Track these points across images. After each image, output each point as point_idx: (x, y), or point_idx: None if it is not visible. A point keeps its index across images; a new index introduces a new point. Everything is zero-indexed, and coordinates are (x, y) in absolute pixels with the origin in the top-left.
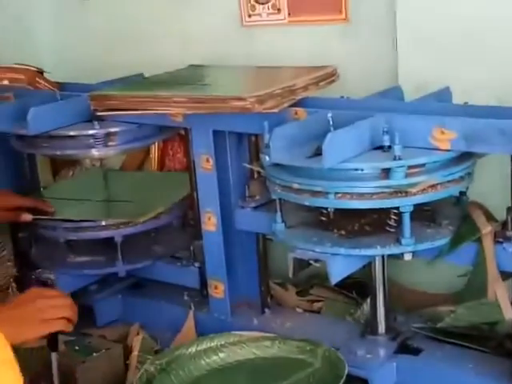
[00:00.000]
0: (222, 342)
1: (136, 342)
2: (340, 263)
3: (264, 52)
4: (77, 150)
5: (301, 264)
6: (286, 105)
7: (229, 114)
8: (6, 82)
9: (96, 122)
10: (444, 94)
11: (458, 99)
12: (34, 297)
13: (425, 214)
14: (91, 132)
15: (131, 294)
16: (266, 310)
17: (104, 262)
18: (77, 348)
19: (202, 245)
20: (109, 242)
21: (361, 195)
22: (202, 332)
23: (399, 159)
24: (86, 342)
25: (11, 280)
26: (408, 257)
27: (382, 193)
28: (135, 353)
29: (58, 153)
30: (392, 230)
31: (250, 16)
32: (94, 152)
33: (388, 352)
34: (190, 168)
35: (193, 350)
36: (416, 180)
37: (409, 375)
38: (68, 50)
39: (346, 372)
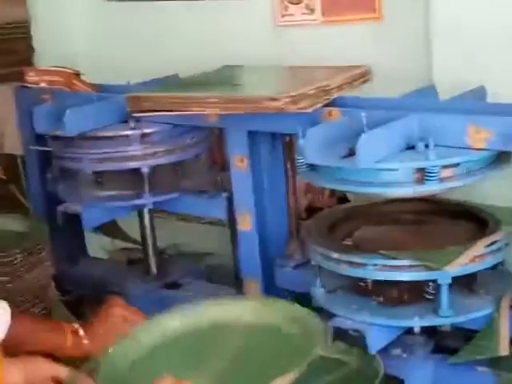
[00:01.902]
0: None
1: None
2: (378, 333)
3: (297, 52)
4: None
5: (339, 331)
6: (319, 105)
7: (263, 115)
8: (44, 85)
9: (132, 123)
10: (479, 93)
11: (493, 98)
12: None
13: (461, 281)
14: (127, 132)
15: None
16: None
17: (131, 195)
18: None
19: (229, 176)
20: (136, 175)
21: (399, 267)
22: None
23: (434, 159)
24: None
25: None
26: (446, 328)
27: (420, 266)
28: None
29: None
30: (430, 297)
31: (283, 16)
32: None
33: (425, 351)
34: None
35: None
36: (450, 185)
37: (446, 375)
38: (103, 52)
39: (382, 372)
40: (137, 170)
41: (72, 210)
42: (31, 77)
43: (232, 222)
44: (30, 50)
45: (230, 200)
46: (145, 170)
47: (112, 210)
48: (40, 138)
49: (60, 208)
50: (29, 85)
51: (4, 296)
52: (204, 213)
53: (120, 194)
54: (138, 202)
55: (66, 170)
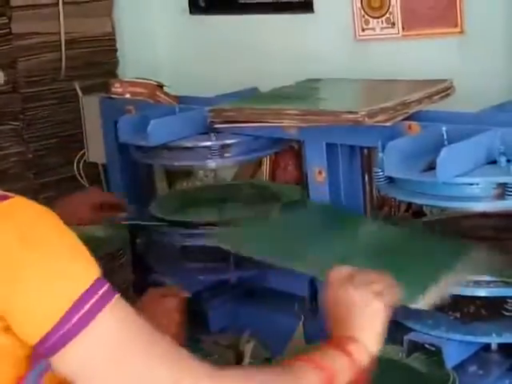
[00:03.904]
0: None
1: (248, 349)
2: (455, 348)
3: (378, 66)
4: (194, 161)
5: (416, 345)
6: (398, 118)
7: (342, 127)
8: (128, 96)
9: (212, 134)
10: None
11: None
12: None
13: None
14: (208, 144)
15: (243, 302)
16: None
17: (216, 269)
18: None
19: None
20: (222, 248)
21: (477, 283)
22: (311, 341)
23: None
24: (199, 347)
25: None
26: None
27: (498, 281)
28: (247, 360)
29: (176, 163)
30: (509, 313)
31: (363, 30)
32: (210, 163)
33: (501, 369)
34: (302, 180)
35: None
36: None
37: None
38: (186, 65)
39: None
40: None
41: (160, 282)
42: (117, 88)
43: (312, 299)
44: (116, 62)
45: (312, 280)
46: None
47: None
48: (122, 148)
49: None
50: (114, 96)
51: None
52: (287, 289)
53: (205, 267)
54: (222, 276)
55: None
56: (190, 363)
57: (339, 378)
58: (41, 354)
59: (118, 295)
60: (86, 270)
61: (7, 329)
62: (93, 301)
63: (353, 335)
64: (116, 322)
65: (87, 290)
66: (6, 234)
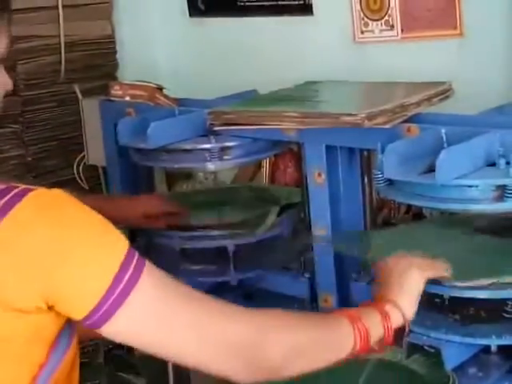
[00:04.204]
0: None
1: None
2: (454, 350)
3: (377, 68)
4: (193, 163)
5: (415, 347)
6: (397, 121)
7: (341, 129)
8: (128, 98)
9: (212, 137)
10: None
11: None
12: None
13: None
14: (207, 146)
15: (243, 304)
16: None
17: (216, 271)
18: None
19: (313, 256)
20: (222, 250)
21: (477, 285)
22: None
23: None
24: None
25: None
26: None
27: (499, 284)
28: None
29: (176, 166)
30: (509, 316)
31: (362, 32)
32: (210, 165)
33: (501, 371)
34: (301, 182)
35: None
36: None
37: None
38: (185, 67)
39: None
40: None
41: None
42: (116, 91)
43: (313, 301)
44: (115, 64)
45: (311, 281)
46: (230, 248)
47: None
48: (122, 150)
49: None
50: (114, 98)
51: None
52: (287, 291)
53: (205, 269)
54: (223, 278)
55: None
56: (234, 310)
57: (372, 333)
58: (86, 326)
59: (147, 260)
60: (118, 241)
61: (48, 311)
62: (130, 270)
63: (391, 298)
64: (152, 284)
65: (124, 261)
66: (41, 223)
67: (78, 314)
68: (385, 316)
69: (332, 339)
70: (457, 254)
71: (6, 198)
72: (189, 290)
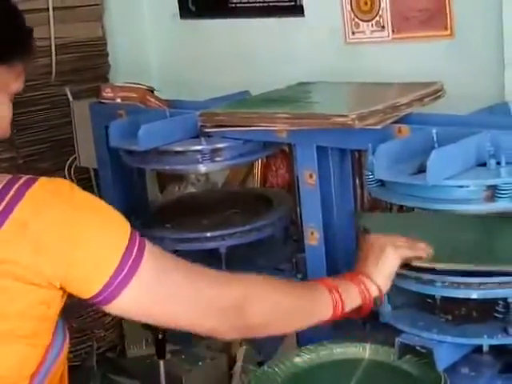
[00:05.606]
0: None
1: (240, 353)
2: (446, 350)
3: (368, 69)
4: (185, 165)
5: (407, 347)
6: (389, 121)
7: (332, 130)
8: (119, 100)
9: (203, 138)
10: None
11: None
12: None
13: None
14: (199, 148)
15: None
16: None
17: None
18: (183, 357)
19: (305, 258)
20: (214, 252)
21: (468, 284)
22: (302, 344)
23: (506, 176)
24: (191, 351)
25: None
26: None
27: (490, 283)
28: (239, 363)
29: (167, 167)
30: (500, 316)
31: (353, 33)
32: (201, 167)
33: (493, 371)
34: (293, 183)
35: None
36: None
37: None
38: (176, 69)
39: None
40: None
41: None
42: (107, 93)
43: None
44: (106, 66)
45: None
46: (223, 250)
47: None
48: (114, 152)
49: None
50: (105, 101)
51: None
52: None
53: None
54: None
55: None
56: (224, 277)
57: (347, 302)
58: (94, 303)
59: (146, 239)
60: (123, 223)
61: (58, 289)
62: (135, 250)
63: (366, 272)
64: (154, 260)
65: (129, 241)
66: (55, 205)
67: (87, 293)
68: (360, 287)
69: (310, 306)
70: (457, 239)
71: (18, 184)
72: (185, 262)
